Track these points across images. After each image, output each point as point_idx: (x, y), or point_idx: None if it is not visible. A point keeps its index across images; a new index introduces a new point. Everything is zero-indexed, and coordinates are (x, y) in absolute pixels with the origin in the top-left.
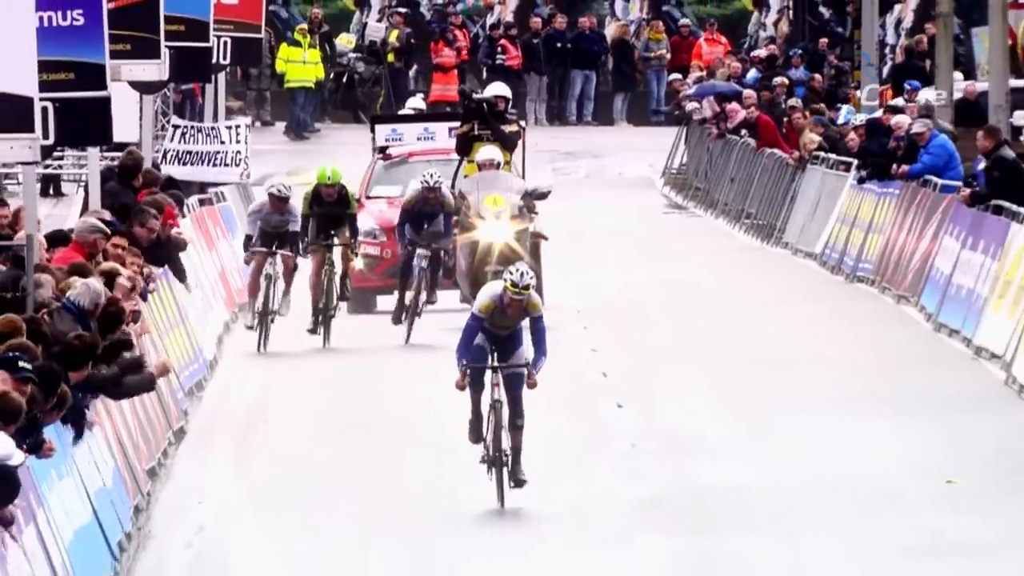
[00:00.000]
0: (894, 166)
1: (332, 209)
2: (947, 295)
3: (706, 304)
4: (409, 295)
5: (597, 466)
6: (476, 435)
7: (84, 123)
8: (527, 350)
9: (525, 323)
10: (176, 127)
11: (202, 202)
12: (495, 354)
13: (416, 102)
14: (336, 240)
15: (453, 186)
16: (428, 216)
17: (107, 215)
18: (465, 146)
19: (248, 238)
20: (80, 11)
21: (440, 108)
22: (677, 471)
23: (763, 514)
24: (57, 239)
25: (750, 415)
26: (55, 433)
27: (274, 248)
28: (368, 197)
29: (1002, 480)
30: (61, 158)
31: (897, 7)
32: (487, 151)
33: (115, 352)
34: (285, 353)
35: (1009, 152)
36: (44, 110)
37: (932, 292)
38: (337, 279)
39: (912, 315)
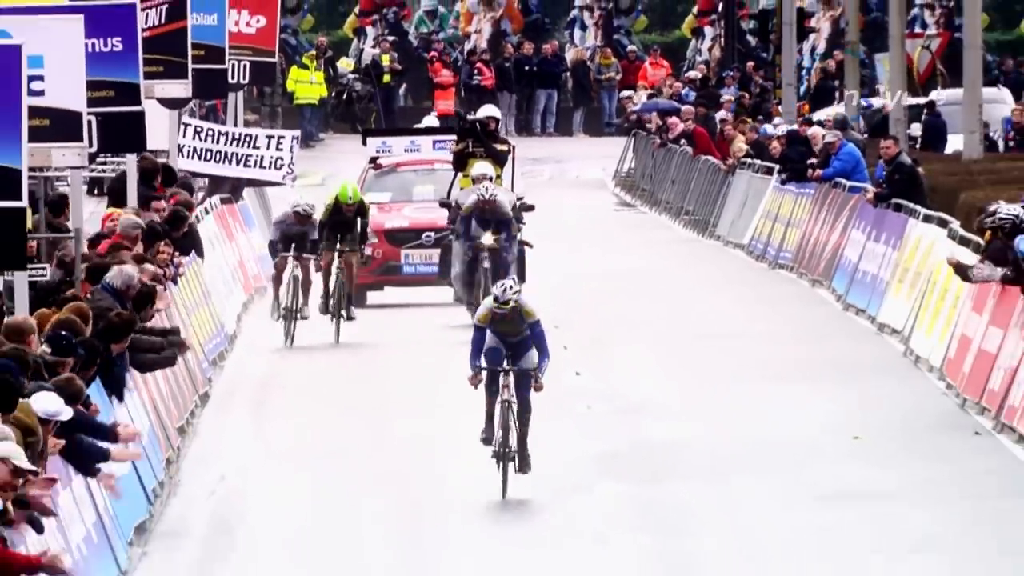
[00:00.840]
0: (810, 170)
1: (348, 216)
2: (854, 280)
3: (651, 287)
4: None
5: (560, 426)
6: (488, 437)
7: (122, 133)
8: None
9: None
10: (187, 125)
11: (224, 201)
12: (508, 358)
13: (431, 119)
14: (346, 246)
15: (448, 197)
16: (491, 223)
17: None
18: (461, 162)
19: (272, 244)
20: (119, 39)
21: (446, 121)
22: (628, 429)
23: (702, 465)
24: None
25: (690, 381)
26: (99, 397)
27: (292, 249)
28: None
29: (901, 437)
30: (104, 163)
31: (812, 36)
32: (480, 166)
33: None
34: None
35: (907, 158)
36: (89, 123)
37: (842, 277)
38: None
39: (825, 297)
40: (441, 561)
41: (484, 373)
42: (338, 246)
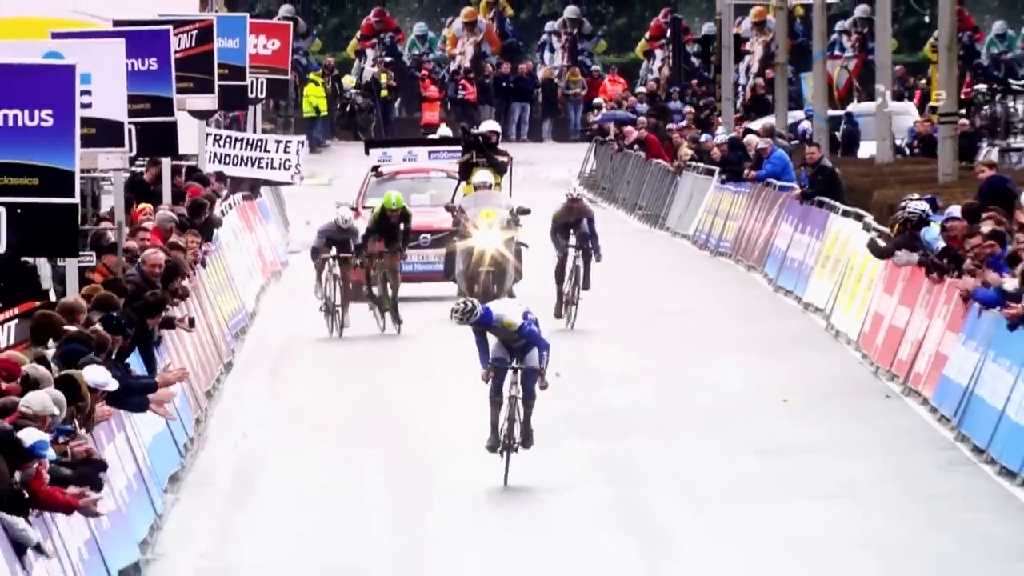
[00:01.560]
0: (745, 172)
1: (393, 222)
2: (783, 265)
3: (610, 271)
4: (566, 290)
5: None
6: (494, 444)
7: (157, 140)
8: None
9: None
10: (208, 134)
11: (245, 198)
12: (513, 360)
13: (443, 130)
14: (390, 248)
15: (453, 202)
16: (575, 223)
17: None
18: (465, 171)
19: (315, 249)
20: (155, 59)
21: (431, 129)
22: (591, 393)
23: (653, 424)
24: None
25: (643, 352)
26: (138, 365)
27: (333, 251)
28: (364, 207)
29: (823, 400)
30: (141, 166)
31: (747, 57)
32: (482, 175)
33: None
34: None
35: (828, 162)
36: (130, 131)
37: (773, 263)
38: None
39: (758, 280)
40: (432, 499)
41: (492, 378)
42: (383, 248)
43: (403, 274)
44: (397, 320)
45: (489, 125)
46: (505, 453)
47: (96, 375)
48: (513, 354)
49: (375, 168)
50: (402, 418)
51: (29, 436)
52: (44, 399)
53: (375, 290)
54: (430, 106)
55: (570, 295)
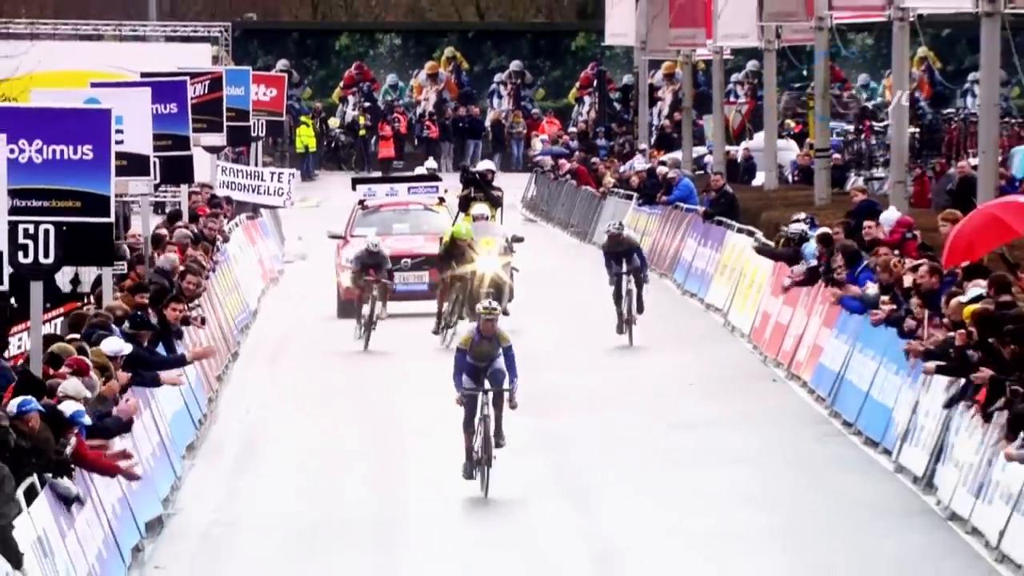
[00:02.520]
0: (658, 196)
1: (463, 248)
2: (689, 273)
3: (548, 278)
4: (623, 311)
5: None
6: (468, 475)
7: (177, 171)
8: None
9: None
10: (218, 166)
11: (249, 217)
12: (481, 381)
13: (430, 163)
14: (458, 270)
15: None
16: (625, 253)
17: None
18: (464, 204)
19: (355, 273)
20: (175, 104)
21: (387, 162)
22: (532, 378)
23: (583, 403)
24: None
25: (574, 344)
26: (162, 353)
27: (368, 274)
28: (352, 236)
29: (722, 382)
30: (164, 191)
31: (659, 103)
32: (480, 208)
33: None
34: (310, 307)
35: (729, 188)
36: (154, 163)
37: (680, 271)
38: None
39: (668, 286)
40: (405, 465)
41: (465, 407)
42: (455, 270)
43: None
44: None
45: (486, 164)
46: (480, 469)
47: (112, 344)
48: (481, 379)
49: (361, 202)
50: (381, 400)
51: (68, 408)
52: (77, 385)
53: (445, 305)
54: (385, 143)
55: (627, 315)
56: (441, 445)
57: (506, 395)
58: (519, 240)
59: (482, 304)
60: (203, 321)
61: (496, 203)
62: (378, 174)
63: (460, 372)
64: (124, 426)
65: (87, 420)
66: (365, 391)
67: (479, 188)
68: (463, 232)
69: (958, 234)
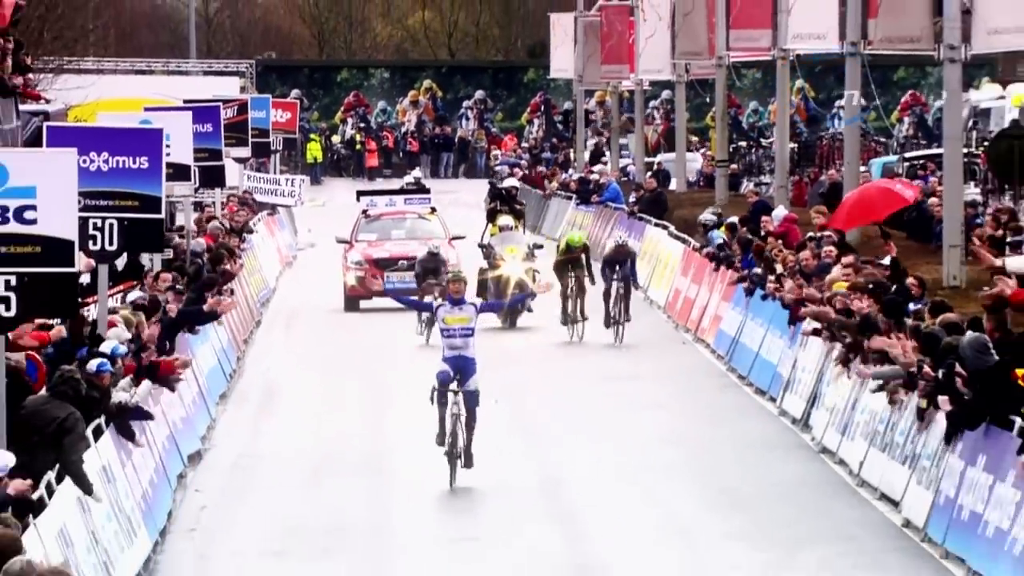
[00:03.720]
0: (593, 198)
1: (576, 255)
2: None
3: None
4: (612, 312)
5: None
6: (441, 439)
7: (212, 177)
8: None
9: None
10: (245, 173)
11: (269, 214)
12: (457, 380)
13: (416, 172)
14: (578, 274)
15: (483, 240)
16: (620, 261)
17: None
18: (491, 216)
19: (417, 275)
20: (210, 124)
21: (373, 171)
22: (492, 340)
23: (530, 359)
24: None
25: (523, 315)
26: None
27: (428, 278)
28: (357, 240)
29: (642, 344)
30: (202, 193)
31: (592, 124)
32: (505, 219)
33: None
34: (318, 286)
35: (660, 190)
36: (194, 171)
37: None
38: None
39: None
40: (393, 409)
41: (436, 389)
42: (571, 274)
43: (384, 289)
44: (584, 317)
45: (511, 181)
46: (451, 462)
47: (133, 295)
48: (456, 373)
49: (364, 211)
50: (374, 360)
51: (108, 345)
52: (121, 332)
53: (568, 304)
54: (371, 155)
55: (616, 317)
56: (419, 396)
57: (474, 413)
58: (539, 247)
59: (452, 271)
60: (232, 292)
61: (519, 215)
62: (378, 184)
63: (415, 301)
64: (211, 315)
65: (122, 350)
66: (362, 353)
67: (504, 202)
68: (575, 240)
69: (844, 206)
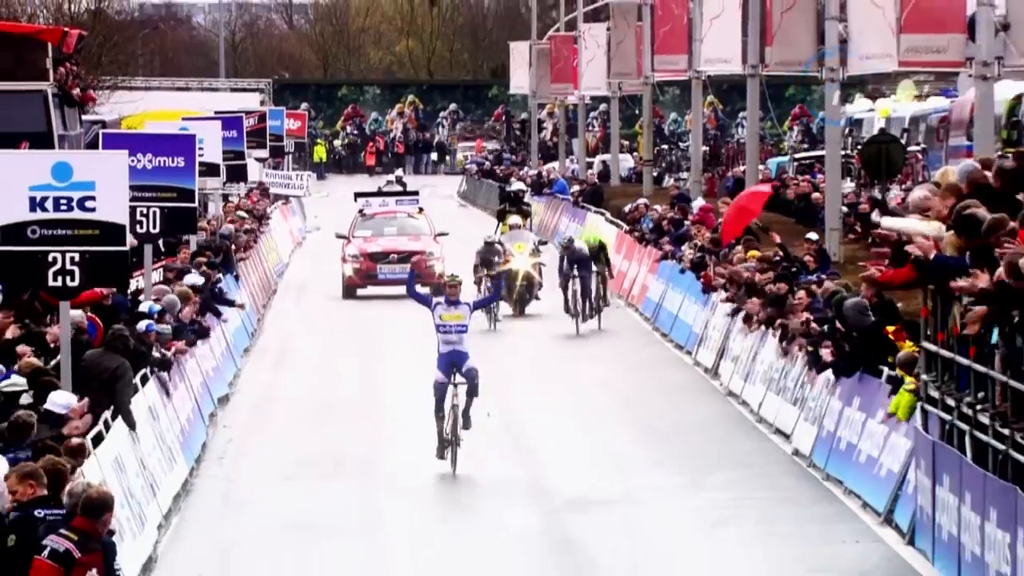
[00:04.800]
0: (545, 190)
1: (594, 252)
2: (562, 239)
3: (472, 240)
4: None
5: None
6: (441, 453)
7: (236, 173)
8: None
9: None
10: (264, 171)
11: (284, 203)
12: (454, 375)
13: (399, 171)
14: (601, 269)
15: (495, 236)
16: (576, 261)
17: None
18: (501, 216)
19: (475, 266)
20: (235, 131)
21: (371, 169)
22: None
23: (484, 327)
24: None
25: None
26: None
27: (484, 269)
28: (354, 236)
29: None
30: (229, 186)
31: (544, 131)
32: (514, 219)
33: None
34: (322, 262)
35: (598, 183)
36: (222, 168)
37: (557, 238)
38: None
39: (551, 248)
40: (384, 364)
41: (435, 397)
42: (576, 273)
43: (377, 280)
44: (607, 303)
45: (519, 184)
46: (450, 449)
47: (192, 279)
48: (452, 373)
49: (361, 211)
50: (371, 323)
51: (145, 305)
52: (174, 299)
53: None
54: (370, 156)
55: (575, 310)
56: (406, 352)
57: (474, 386)
58: (544, 243)
59: (448, 275)
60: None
61: (526, 215)
62: (372, 186)
63: (421, 297)
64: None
65: (157, 307)
66: (360, 318)
67: (513, 204)
68: (591, 240)
69: (726, 220)
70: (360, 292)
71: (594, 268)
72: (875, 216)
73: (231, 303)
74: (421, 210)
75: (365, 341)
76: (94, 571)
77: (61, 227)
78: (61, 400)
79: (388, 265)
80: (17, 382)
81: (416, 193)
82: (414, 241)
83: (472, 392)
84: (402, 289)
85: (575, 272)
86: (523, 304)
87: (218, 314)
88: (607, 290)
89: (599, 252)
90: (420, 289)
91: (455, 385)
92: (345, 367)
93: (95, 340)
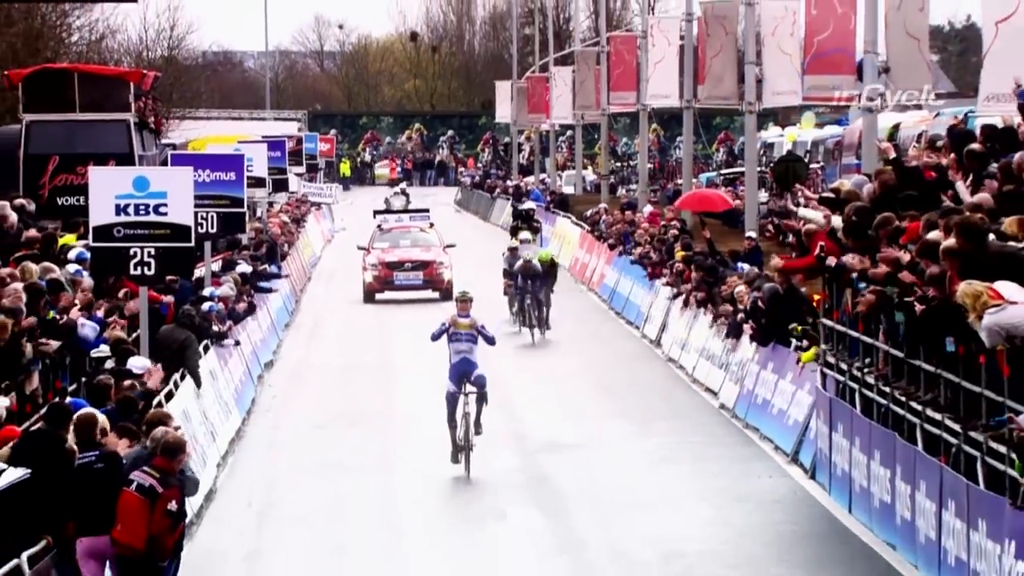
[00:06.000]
0: (522, 198)
1: (547, 268)
2: (540, 239)
3: (466, 240)
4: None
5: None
6: (455, 459)
7: (279, 185)
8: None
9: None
10: (301, 183)
11: (316, 208)
12: (464, 384)
13: (403, 185)
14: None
15: (512, 251)
16: (531, 277)
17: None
18: (515, 232)
19: (504, 271)
20: (278, 152)
21: (392, 182)
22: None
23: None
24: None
25: (478, 266)
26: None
27: (518, 221)
28: (373, 248)
29: (555, 298)
30: (273, 196)
31: (523, 152)
32: (525, 234)
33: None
34: (348, 256)
35: (565, 194)
36: (268, 181)
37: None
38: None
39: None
40: (397, 335)
41: (448, 406)
42: (531, 287)
43: (394, 285)
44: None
45: (530, 204)
46: (464, 455)
47: (241, 268)
48: (463, 383)
49: (379, 226)
50: (391, 306)
51: (207, 291)
52: (228, 290)
53: (526, 312)
54: (391, 171)
55: (533, 323)
56: (415, 329)
57: (484, 393)
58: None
59: (458, 291)
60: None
61: (536, 231)
62: (389, 192)
63: (439, 331)
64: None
65: (216, 291)
66: (377, 300)
67: (524, 221)
68: (545, 256)
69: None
70: (379, 296)
71: (547, 283)
72: (799, 211)
73: (270, 290)
74: (432, 225)
75: (382, 319)
76: (173, 502)
77: (140, 228)
78: (138, 363)
79: (403, 272)
80: (103, 350)
81: (427, 210)
82: (425, 252)
83: (482, 399)
84: (415, 294)
85: (530, 287)
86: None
87: (266, 290)
88: (546, 312)
89: (551, 268)
90: (437, 333)
91: (466, 395)
92: (365, 339)
93: (167, 317)
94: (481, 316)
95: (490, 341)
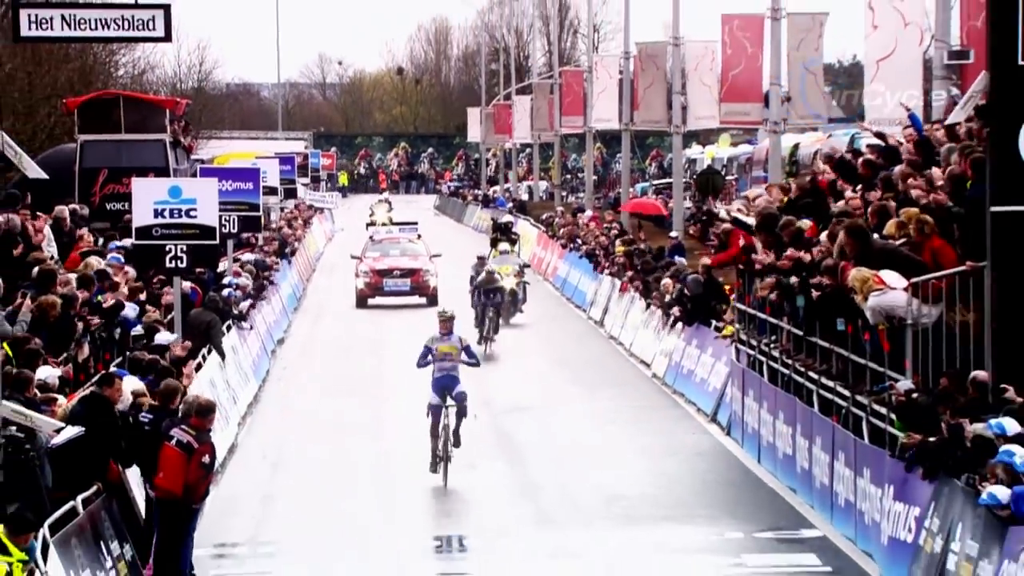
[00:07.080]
0: (490, 204)
1: (499, 284)
2: (521, 252)
3: (446, 244)
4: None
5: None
6: (434, 469)
7: (290, 193)
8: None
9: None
10: (307, 192)
11: (319, 212)
12: (445, 399)
13: (386, 194)
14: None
15: (487, 259)
16: (491, 291)
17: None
18: (494, 243)
19: (471, 278)
20: (289, 166)
21: (383, 190)
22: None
23: (453, 297)
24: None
25: (454, 261)
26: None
27: (497, 233)
28: (365, 257)
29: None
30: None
31: (491, 162)
32: (504, 246)
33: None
34: (347, 253)
35: (524, 199)
36: (280, 190)
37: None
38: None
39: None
40: (389, 321)
41: (431, 418)
42: (491, 300)
43: (384, 292)
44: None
45: (507, 218)
46: (442, 464)
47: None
48: (445, 396)
49: (371, 237)
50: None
51: (227, 279)
52: (246, 281)
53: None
54: (382, 182)
55: (487, 335)
56: (406, 313)
57: (463, 408)
58: (527, 266)
59: (439, 310)
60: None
61: (514, 242)
62: (373, 200)
63: (423, 357)
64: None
65: (236, 281)
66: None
67: (503, 233)
68: (496, 270)
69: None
70: (370, 302)
71: (506, 295)
72: (718, 211)
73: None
74: (419, 236)
75: (375, 306)
76: (206, 456)
77: (174, 228)
78: (163, 338)
79: (392, 279)
80: (139, 330)
81: (415, 223)
82: (413, 260)
83: (461, 413)
84: (403, 299)
85: (491, 300)
86: (507, 316)
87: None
88: (498, 324)
89: (512, 296)
90: (421, 360)
91: (447, 407)
92: (362, 321)
93: (196, 302)
94: (458, 321)
95: (473, 365)
